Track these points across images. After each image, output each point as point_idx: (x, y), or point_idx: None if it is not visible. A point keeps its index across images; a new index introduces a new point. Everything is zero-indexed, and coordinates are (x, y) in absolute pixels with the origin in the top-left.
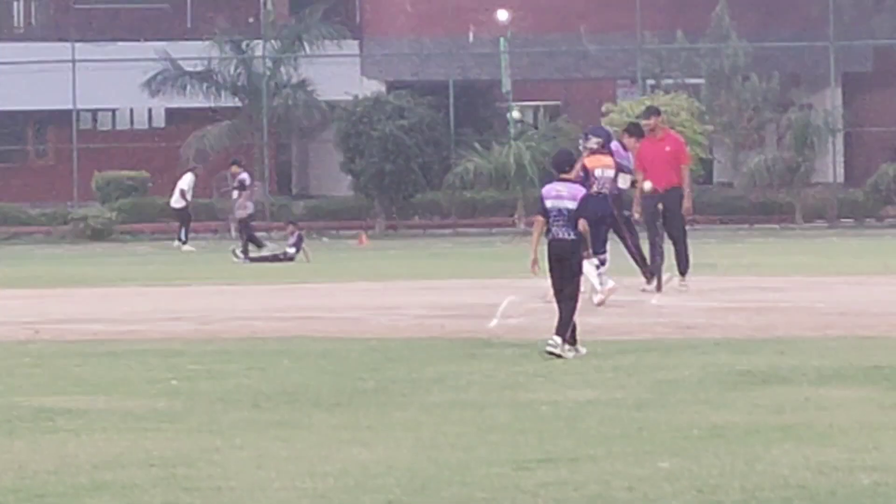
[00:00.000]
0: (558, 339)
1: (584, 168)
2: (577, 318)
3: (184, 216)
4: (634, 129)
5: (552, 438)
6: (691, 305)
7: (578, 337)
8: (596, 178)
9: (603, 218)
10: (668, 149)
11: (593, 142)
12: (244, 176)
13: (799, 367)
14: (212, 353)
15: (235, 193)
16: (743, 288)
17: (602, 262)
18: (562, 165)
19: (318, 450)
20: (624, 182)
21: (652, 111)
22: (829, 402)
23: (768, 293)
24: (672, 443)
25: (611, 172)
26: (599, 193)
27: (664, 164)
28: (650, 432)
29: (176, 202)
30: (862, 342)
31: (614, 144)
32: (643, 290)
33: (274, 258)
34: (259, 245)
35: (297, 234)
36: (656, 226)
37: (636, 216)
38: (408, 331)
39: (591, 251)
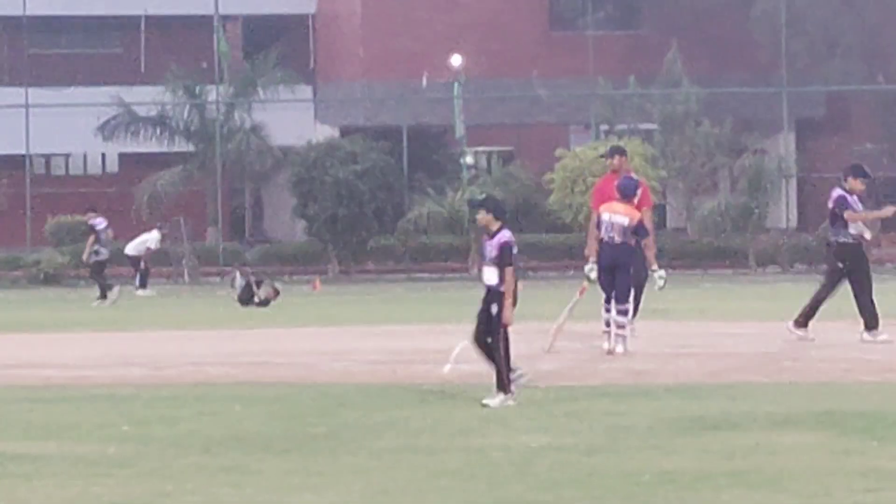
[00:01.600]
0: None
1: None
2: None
3: (137, 263)
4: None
5: (503, 484)
6: (643, 351)
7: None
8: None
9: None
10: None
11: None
12: (96, 221)
13: (750, 413)
14: (163, 399)
15: (91, 238)
16: (695, 333)
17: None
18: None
19: (268, 495)
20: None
21: (616, 150)
22: (781, 448)
23: (720, 338)
24: (622, 488)
25: (623, 220)
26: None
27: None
28: (601, 478)
29: (131, 249)
30: (814, 388)
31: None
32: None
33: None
34: (103, 292)
35: (245, 277)
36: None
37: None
38: (360, 376)
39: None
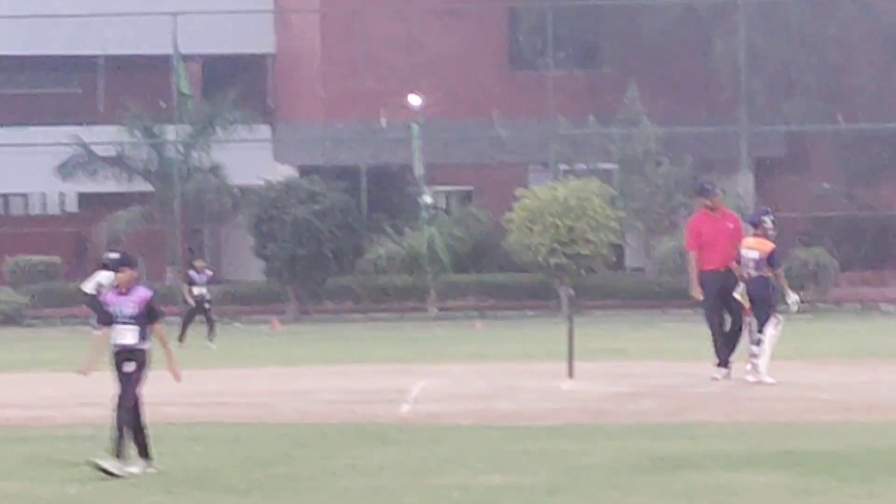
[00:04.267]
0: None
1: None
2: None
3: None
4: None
5: None
6: (602, 390)
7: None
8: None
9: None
10: (730, 226)
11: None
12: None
13: (710, 453)
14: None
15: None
16: (654, 373)
17: (757, 342)
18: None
19: None
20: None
21: (713, 189)
22: (741, 488)
23: (680, 378)
24: None
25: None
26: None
27: (726, 241)
28: None
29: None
30: (773, 427)
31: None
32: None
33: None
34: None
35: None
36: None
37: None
38: (319, 416)
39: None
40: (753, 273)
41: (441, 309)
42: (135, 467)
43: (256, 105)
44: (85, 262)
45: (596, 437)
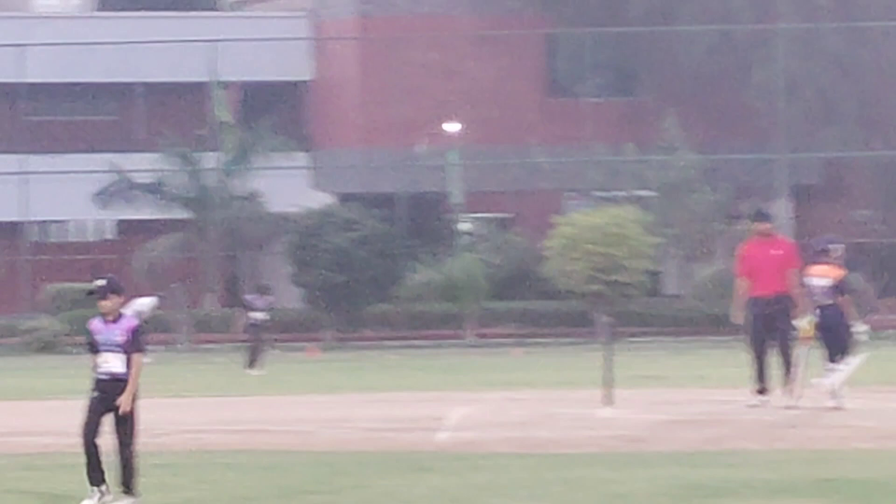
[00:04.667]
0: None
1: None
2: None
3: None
4: None
5: None
6: (640, 418)
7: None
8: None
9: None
10: (780, 253)
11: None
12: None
13: (748, 481)
14: (161, 467)
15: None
16: (692, 400)
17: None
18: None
19: None
20: None
21: (768, 215)
22: None
23: (717, 406)
24: None
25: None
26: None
27: (774, 268)
28: None
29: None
30: (811, 455)
31: None
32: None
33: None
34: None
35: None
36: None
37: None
38: (356, 444)
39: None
40: (823, 301)
41: (478, 336)
42: (91, 499)
43: (294, 132)
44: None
45: (633, 464)
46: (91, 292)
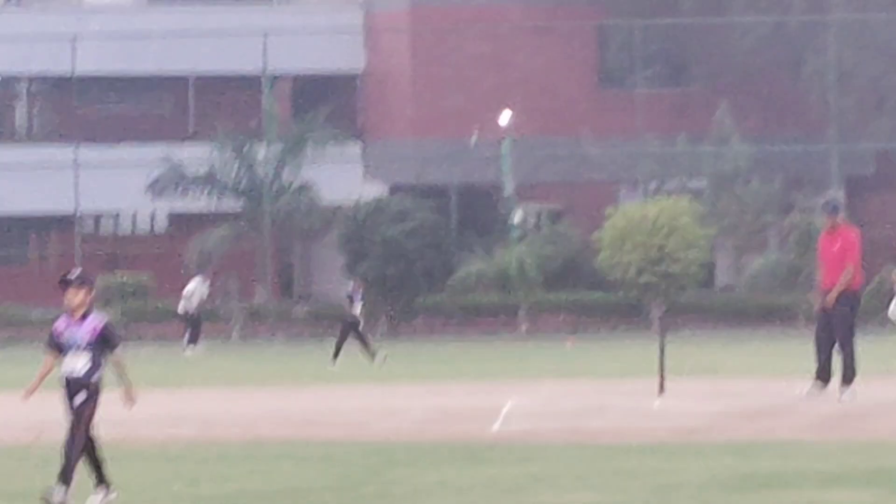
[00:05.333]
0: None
1: None
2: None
3: (191, 321)
4: None
5: None
6: (692, 408)
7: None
8: None
9: None
10: (837, 246)
11: None
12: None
13: (801, 471)
14: (213, 457)
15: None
16: (745, 391)
17: None
18: None
19: None
20: None
21: (831, 208)
22: None
23: (770, 396)
24: None
25: None
26: None
27: (832, 261)
28: None
29: (181, 308)
30: (865, 445)
31: None
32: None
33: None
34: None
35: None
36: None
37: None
38: (410, 434)
39: None
40: None
41: (531, 327)
42: (96, 496)
43: (346, 123)
44: (176, 282)
45: (686, 455)
46: (64, 280)
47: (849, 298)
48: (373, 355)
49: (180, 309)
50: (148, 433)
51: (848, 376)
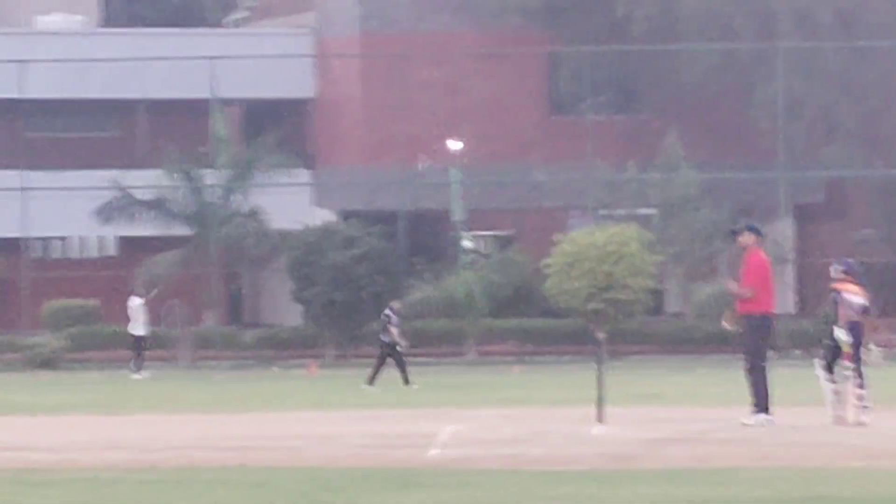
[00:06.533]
0: None
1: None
2: None
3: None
4: None
5: None
6: (632, 435)
7: None
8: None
9: None
10: (742, 269)
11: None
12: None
13: (739, 498)
14: (148, 483)
15: None
16: (685, 419)
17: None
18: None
19: None
20: None
21: (730, 232)
22: None
23: (710, 424)
24: None
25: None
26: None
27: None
28: None
29: (137, 330)
30: (801, 473)
31: None
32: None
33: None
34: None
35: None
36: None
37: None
38: (346, 460)
39: None
40: (857, 319)
41: (479, 353)
42: None
43: (296, 149)
44: (124, 307)
45: (624, 482)
46: None
47: (754, 323)
48: (406, 380)
49: (139, 331)
50: (84, 458)
51: (758, 403)
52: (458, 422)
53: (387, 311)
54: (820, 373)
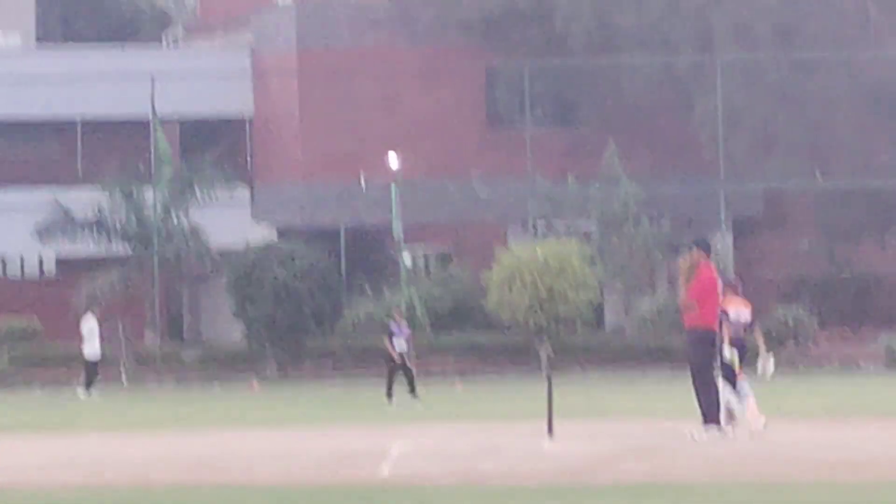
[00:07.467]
0: None
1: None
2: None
3: (90, 362)
4: None
5: None
6: (583, 450)
7: None
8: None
9: None
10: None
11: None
12: None
13: None
14: (108, 502)
15: None
16: (635, 433)
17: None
18: None
19: None
20: None
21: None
22: None
23: (661, 438)
24: None
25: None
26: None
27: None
28: None
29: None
30: (755, 486)
31: None
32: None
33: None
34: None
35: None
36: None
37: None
38: (301, 478)
39: None
40: (742, 334)
41: (421, 369)
42: None
43: (235, 167)
44: (65, 326)
45: (579, 497)
46: None
47: (699, 337)
48: (390, 394)
49: (93, 351)
50: (39, 478)
51: (708, 416)
52: (408, 438)
53: (390, 324)
54: (725, 390)
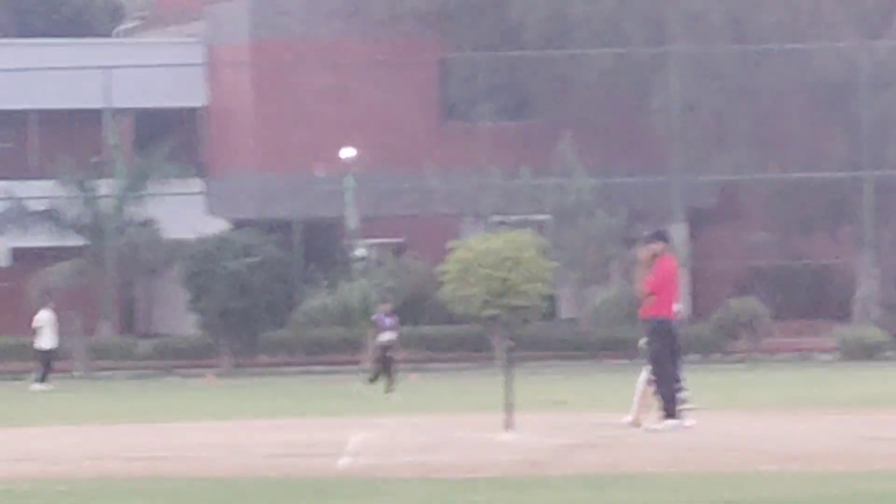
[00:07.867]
0: None
1: None
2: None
3: (43, 355)
4: None
5: None
6: (540, 441)
7: None
8: None
9: None
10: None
11: None
12: None
13: (650, 503)
14: (61, 494)
15: None
16: (592, 424)
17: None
18: None
19: None
20: None
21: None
22: None
23: (618, 429)
24: None
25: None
26: None
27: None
28: None
29: (45, 344)
30: (713, 477)
31: None
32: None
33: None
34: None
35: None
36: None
37: None
38: (257, 470)
39: None
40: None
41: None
42: None
43: (189, 158)
44: (20, 319)
45: (537, 488)
46: None
47: (654, 328)
48: (371, 383)
49: (48, 345)
50: None
51: (666, 409)
52: (365, 430)
53: (374, 317)
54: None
